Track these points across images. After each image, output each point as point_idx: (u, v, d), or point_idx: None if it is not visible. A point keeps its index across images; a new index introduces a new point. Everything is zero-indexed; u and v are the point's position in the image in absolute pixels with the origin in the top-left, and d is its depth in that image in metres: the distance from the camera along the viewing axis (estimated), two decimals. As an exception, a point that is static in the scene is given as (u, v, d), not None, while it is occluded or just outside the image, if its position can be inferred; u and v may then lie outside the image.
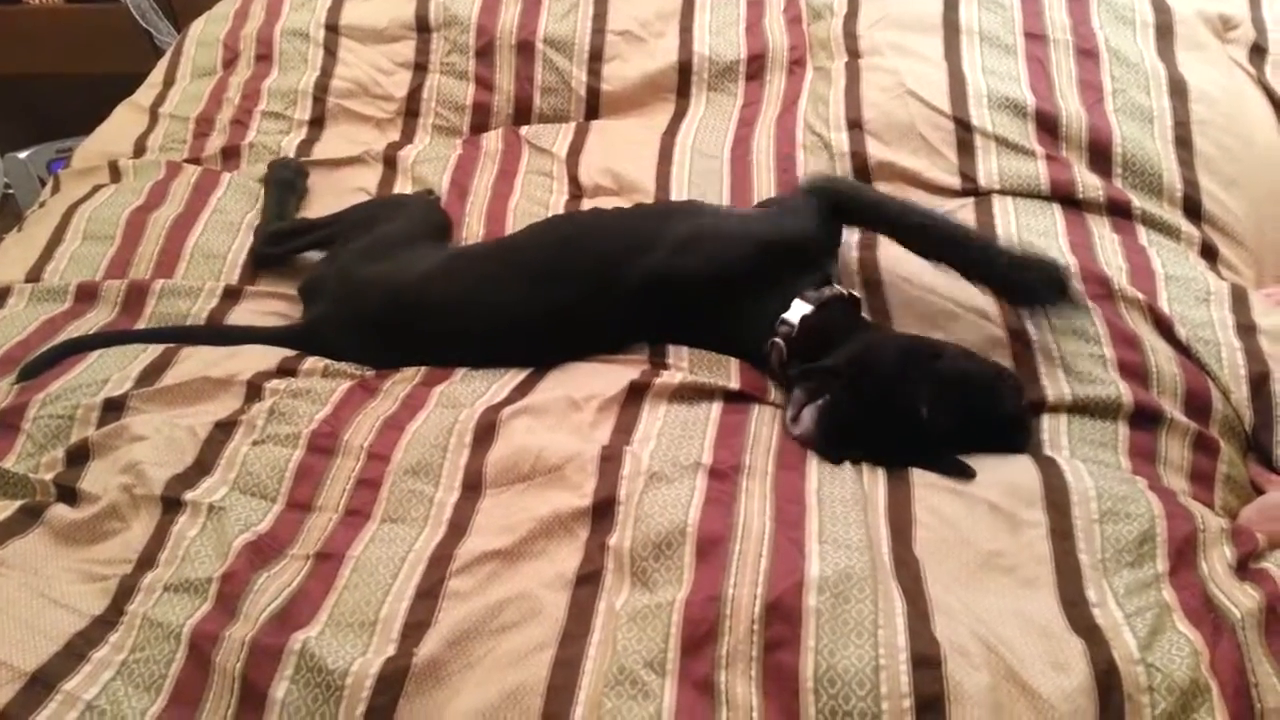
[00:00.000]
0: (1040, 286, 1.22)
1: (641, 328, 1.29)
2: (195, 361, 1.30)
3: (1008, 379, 1.17)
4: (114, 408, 1.22)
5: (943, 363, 1.15)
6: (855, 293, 1.31)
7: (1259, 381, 1.19)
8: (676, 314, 1.26)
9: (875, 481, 1.08)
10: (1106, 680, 0.85)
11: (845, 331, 1.22)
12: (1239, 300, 1.28)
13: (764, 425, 1.15)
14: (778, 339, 1.21)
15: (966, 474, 1.07)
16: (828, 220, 1.32)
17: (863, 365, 1.16)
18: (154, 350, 1.32)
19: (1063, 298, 1.22)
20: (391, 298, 1.35)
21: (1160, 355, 1.21)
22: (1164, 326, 1.25)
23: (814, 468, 1.10)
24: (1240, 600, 0.91)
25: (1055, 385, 1.20)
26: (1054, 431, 1.16)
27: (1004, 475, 1.07)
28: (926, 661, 0.85)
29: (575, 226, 1.42)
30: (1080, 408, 1.18)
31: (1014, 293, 1.25)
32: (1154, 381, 1.19)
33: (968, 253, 1.27)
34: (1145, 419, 1.15)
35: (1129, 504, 1.01)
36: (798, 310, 1.22)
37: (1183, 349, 1.23)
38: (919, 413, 1.10)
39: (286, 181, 1.65)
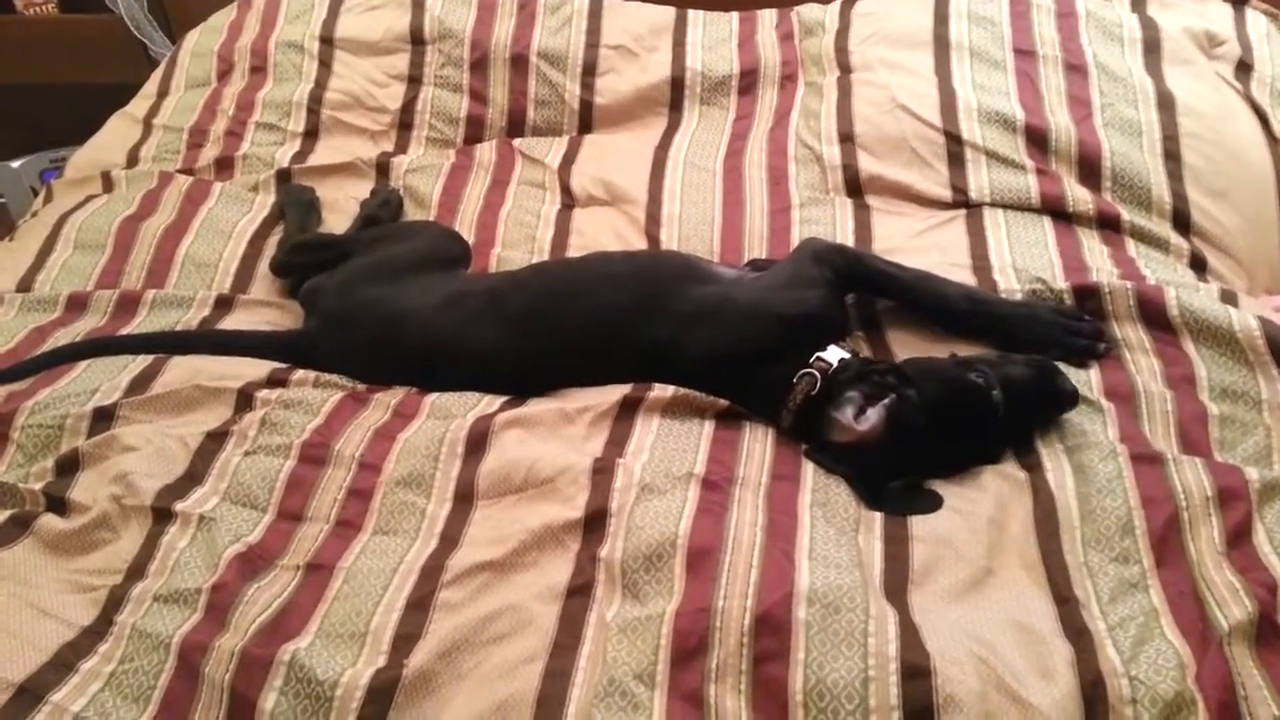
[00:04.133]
0: (1082, 348, 1.25)
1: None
2: (185, 370, 1.30)
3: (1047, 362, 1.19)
4: (104, 417, 1.22)
5: (992, 362, 1.16)
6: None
7: None
8: (681, 379, 1.21)
9: None
10: (1092, 691, 0.86)
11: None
12: (1229, 302, 1.29)
13: (756, 443, 1.16)
14: (812, 370, 1.17)
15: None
16: (838, 290, 1.30)
17: (917, 373, 1.16)
18: (144, 359, 1.32)
19: (1101, 355, 1.25)
20: (384, 323, 1.35)
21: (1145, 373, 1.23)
22: (1154, 310, 1.26)
23: (808, 481, 1.10)
24: (1232, 610, 0.91)
25: None
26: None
27: (998, 489, 1.10)
28: (917, 672, 0.86)
29: (579, 278, 1.37)
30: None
31: (1048, 351, 1.24)
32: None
33: (996, 319, 1.28)
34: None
35: (1105, 497, 1.03)
36: (835, 353, 1.20)
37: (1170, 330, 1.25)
38: (990, 396, 1.11)
39: (305, 202, 1.66)
